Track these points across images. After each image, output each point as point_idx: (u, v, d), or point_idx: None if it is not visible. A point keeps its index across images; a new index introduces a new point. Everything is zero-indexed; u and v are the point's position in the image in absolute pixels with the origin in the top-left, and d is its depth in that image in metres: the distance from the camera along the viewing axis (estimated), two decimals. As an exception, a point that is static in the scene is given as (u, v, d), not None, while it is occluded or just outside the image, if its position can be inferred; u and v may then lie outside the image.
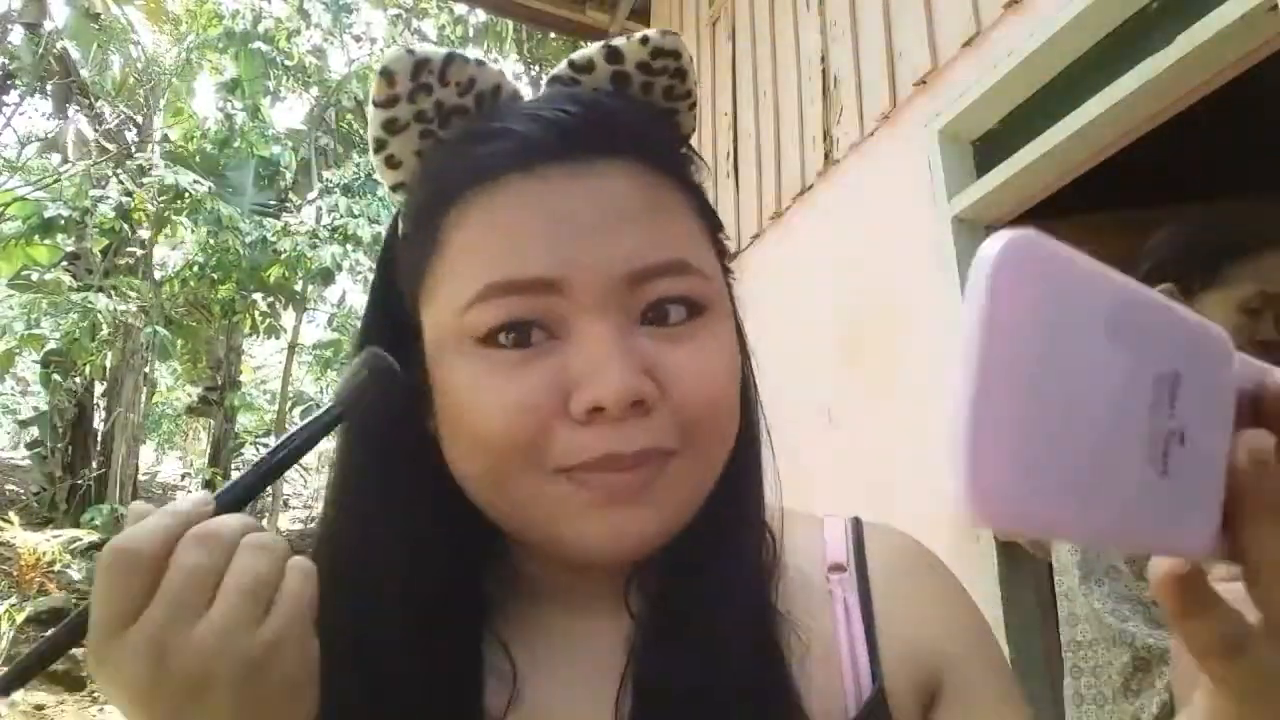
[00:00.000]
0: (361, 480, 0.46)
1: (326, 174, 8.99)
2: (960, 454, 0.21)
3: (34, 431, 8.71)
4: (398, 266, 0.46)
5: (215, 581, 0.34)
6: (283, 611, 0.34)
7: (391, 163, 0.44)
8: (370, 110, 0.44)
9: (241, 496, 0.38)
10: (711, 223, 0.47)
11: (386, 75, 0.42)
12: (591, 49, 0.44)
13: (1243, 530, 0.25)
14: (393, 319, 0.46)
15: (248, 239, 7.75)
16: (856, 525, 0.52)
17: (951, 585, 0.51)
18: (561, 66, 0.45)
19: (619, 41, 0.44)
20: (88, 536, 6.27)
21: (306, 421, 0.41)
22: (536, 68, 10.47)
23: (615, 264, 0.40)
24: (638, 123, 0.44)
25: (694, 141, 0.49)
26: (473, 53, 0.45)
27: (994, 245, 0.22)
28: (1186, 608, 0.26)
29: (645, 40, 0.44)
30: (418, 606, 0.44)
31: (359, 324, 0.50)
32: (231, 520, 0.36)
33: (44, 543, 5.55)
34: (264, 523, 9.22)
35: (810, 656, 0.44)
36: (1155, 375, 0.24)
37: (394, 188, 0.46)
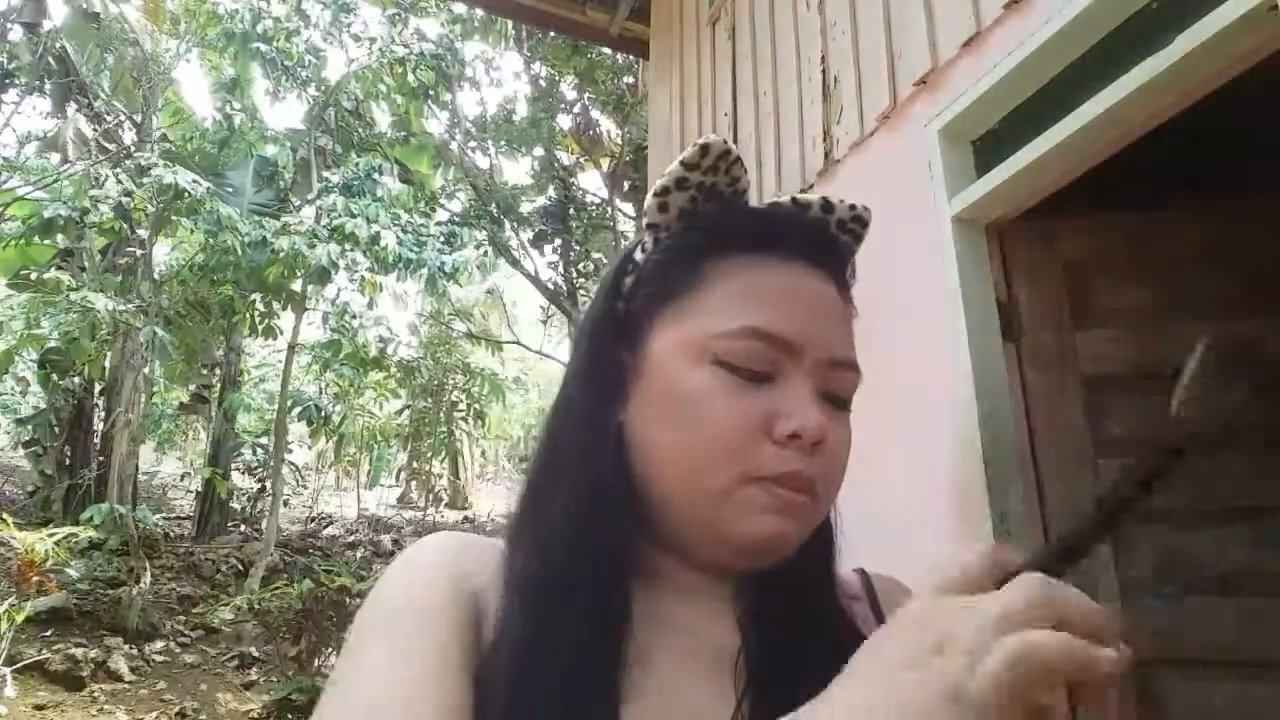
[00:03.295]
0: (562, 463, 0.56)
1: (325, 174, 8.96)
2: None
3: (32, 431, 8.69)
4: (639, 281, 0.58)
5: None
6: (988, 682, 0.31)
7: (664, 208, 0.57)
8: (674, 165, 0.56)
9: (1062, 556, 0.37)
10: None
11: (703, 149, 0.55)
12: (812, 197, 0.60)
13: None
14: (617, 317, 0.58)
15: (247, 239, 7.73)
16: (862, 571, 0.65)
17: None
18: (785, 198, 0.60)
19: (834, 199, 0.60)
20: (84, 533, 6.25)
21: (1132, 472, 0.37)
22: (536, 66, 10.47)
23: (832, 348, 0.55)
24: (847, 258, 0.61)
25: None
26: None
27: None
28: None
29: (853, 207, 0.60)
30: (588, 590, 0.51)
31: (593, 317, 0.61)
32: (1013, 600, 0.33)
33: (39, 542, 5.53)
34: (264, 524, 9.23)
35: None
36: None
37: (650, 225, 0.58)
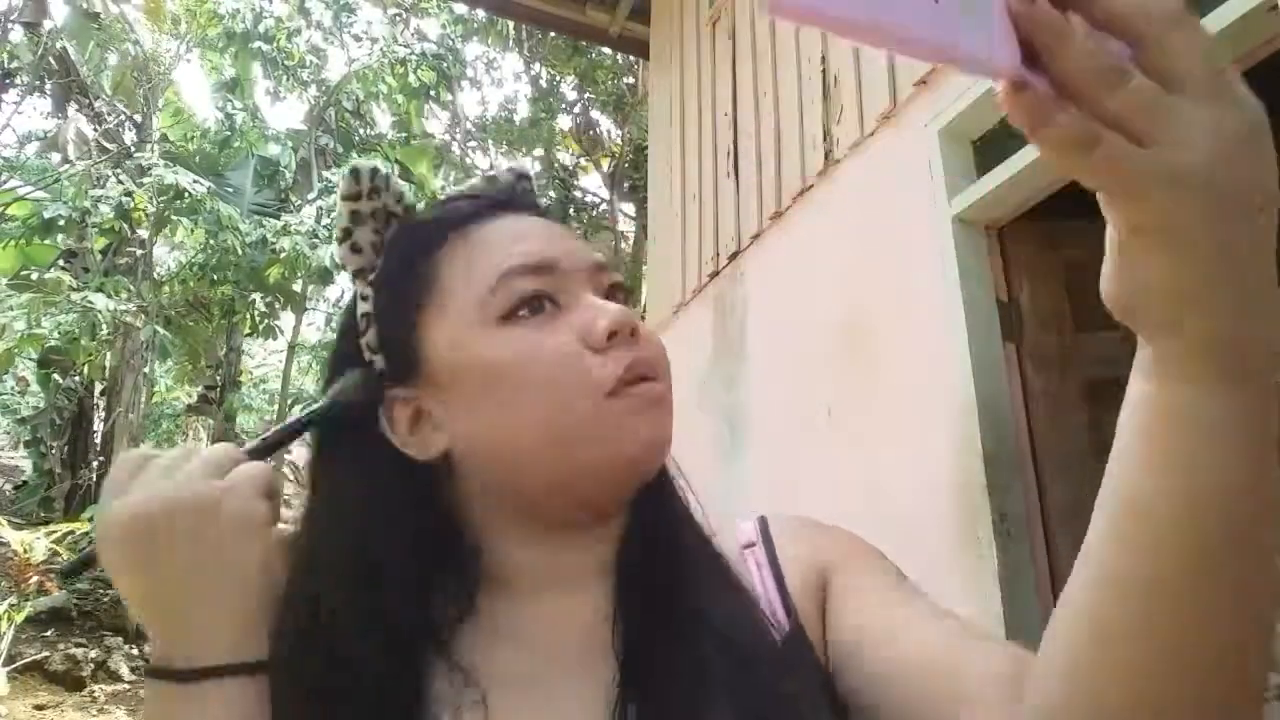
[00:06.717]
0: (339, 487, 0.55)
1: (326, 174, 8.97)
2: None
3: (33, 430, 8.68)
4: (382, 320, 0.56)
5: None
6: (233, 476, 0.49)
7: (355, 248, 0.55)
8: (340, 206, 0.55)
9: (263, 450, 0.53)
10: None
11: (354, 174, 0.55)
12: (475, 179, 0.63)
13: (1039, 52, 0.31)
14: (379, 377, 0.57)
15: (248, 239, 7.74)
16: (762, 518, 0.63)
17: (832, 526, 0.62)
18: (450, 192, 0.62)
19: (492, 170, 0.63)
20: (79, 528, 6.23)
21: (323, 401, 0.55)
22: (536, 66, 10.47)
23: (586, 255, 0.57)
24: (544, 203, 0.63)
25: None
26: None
27: None
28: (1034, 116, 0.31)
29: (511, 169, 0.63)
30: (376, 618, 0.50)
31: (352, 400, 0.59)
32: (231, 449, 0.51)
33: (35, 540, 5.52)
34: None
35: None
36: None
37: (356, 273, 0.56)
